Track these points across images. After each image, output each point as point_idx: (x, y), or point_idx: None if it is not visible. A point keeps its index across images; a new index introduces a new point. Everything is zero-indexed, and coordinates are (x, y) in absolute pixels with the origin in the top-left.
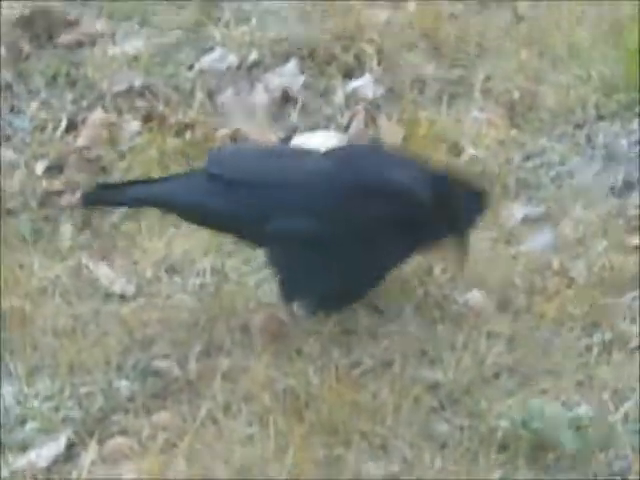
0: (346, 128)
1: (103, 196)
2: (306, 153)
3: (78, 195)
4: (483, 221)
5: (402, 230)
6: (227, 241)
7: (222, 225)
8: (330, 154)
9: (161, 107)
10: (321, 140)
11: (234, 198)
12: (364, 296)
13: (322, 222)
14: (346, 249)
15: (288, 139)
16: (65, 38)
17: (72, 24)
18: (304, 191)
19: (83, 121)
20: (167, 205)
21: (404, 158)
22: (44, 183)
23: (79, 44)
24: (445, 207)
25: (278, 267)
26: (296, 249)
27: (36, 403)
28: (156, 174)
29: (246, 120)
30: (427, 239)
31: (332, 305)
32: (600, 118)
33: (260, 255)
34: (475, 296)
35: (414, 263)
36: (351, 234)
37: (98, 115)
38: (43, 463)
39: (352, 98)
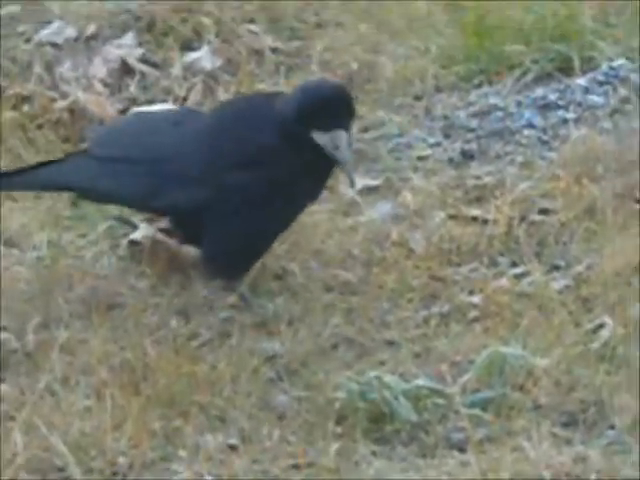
0: (184, 100)
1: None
2: (187, 116)
3: None
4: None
5: (285, 182)
6: (64, 215)
7: (120, 204)
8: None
9: None
10: None
11: (118, 178)
12: (269, 249)
13: (202, 190)
14: (236, 212)
15: (126, 111)
16: None
17: None
18: (183, 162)
19: None
20: (61, 190)
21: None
22: None
23: None
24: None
25: (189, 239)
26: (193, 219)
27: None
28: None
29: (84, 92)
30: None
31: (242, 266)
32: (438, 90)
33: (96, 228)
34: (313, 267)
35: None
36: (235, 197)
37: None
38: None
39: (190, 70)
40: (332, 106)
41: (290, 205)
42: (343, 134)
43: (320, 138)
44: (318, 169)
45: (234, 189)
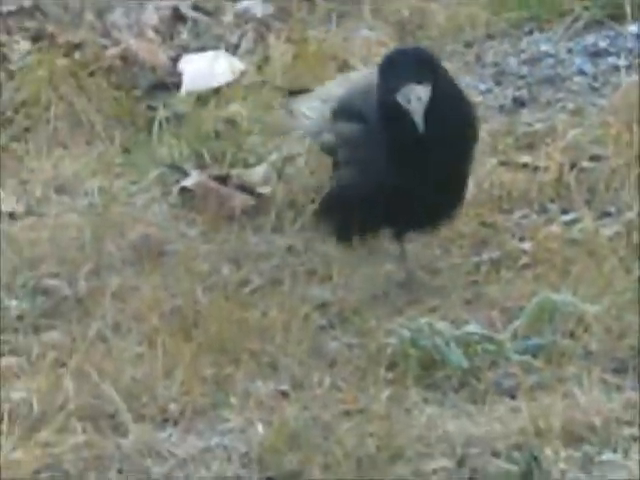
0: (236, 47)
1: None
2: None
3: None
4: None
5: None
6: (115, 162)
7: None
8: None
9: (51, 27)
10: (211, 59)
11: None
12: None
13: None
14: None
15: (178, 58)
16: None
17: None
18: None
19: None
20: None
21: None
22: None
23: None
24: None
25: None
26: None
27: None
28: (45, 94)
29: (136, 39)
30: None
31: None
32: (490, 37)
33: (147, 175)
34: None
35: None
36: None
37: None
38: None
39: (242, 17)
40: (396, 65)
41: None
42: (411, 87)
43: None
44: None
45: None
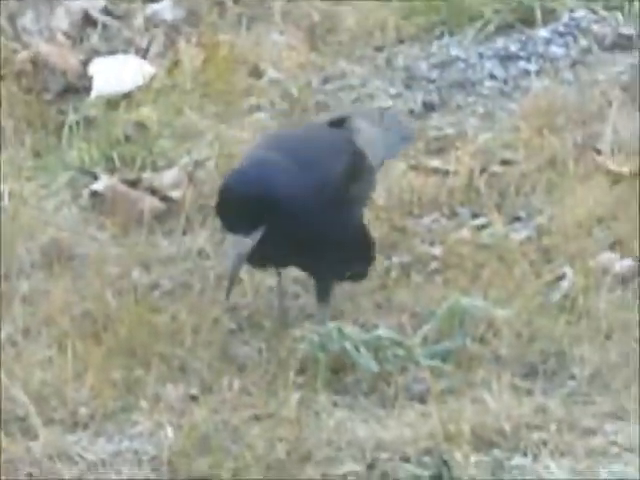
0: (146, 51)
1: None
2: None
3: None
4: None
5: None
6: (25, 165)
7: None
8: None
9: None
10: (121, 63)
11: None
12: None
13: None
14: None
15: (88, 62)
16: None
17: None
18: None
19: None
20: None
21: None
22: None
23: None
24: None
25: None
26: None
27: None
28: None
29: (47, 44)
30: None
31: None
32: (400, 41)
33: (57, 179)
34: None
35: None
36: None
37: None
38: None
39: (151, 21)
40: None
41: None
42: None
43: None
44: None
45: None
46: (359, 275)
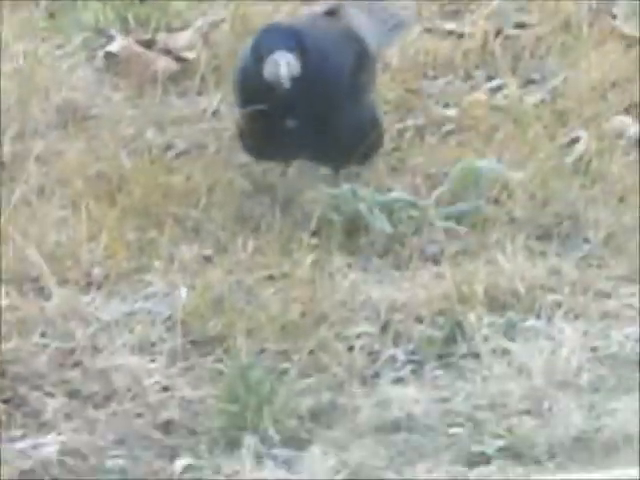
0: None
1: None
2: None
3: None
4: None
5: None
6: (40, 26)
7: None
8: None
9: None
10: None
11: None
12: None
13: None
14: None
15: None
16: None
17: None
18: None
19: None
20: None
21: None
22: None
23: None
24: None
25: None
26: None
27: None
28: None
29: None
30: None
31: None
32: None
33: (72, 40)
34: None
35: None
36: None
37: None
38: None
39: None
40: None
41: None
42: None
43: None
44: None
45: None
46: (365, 161)
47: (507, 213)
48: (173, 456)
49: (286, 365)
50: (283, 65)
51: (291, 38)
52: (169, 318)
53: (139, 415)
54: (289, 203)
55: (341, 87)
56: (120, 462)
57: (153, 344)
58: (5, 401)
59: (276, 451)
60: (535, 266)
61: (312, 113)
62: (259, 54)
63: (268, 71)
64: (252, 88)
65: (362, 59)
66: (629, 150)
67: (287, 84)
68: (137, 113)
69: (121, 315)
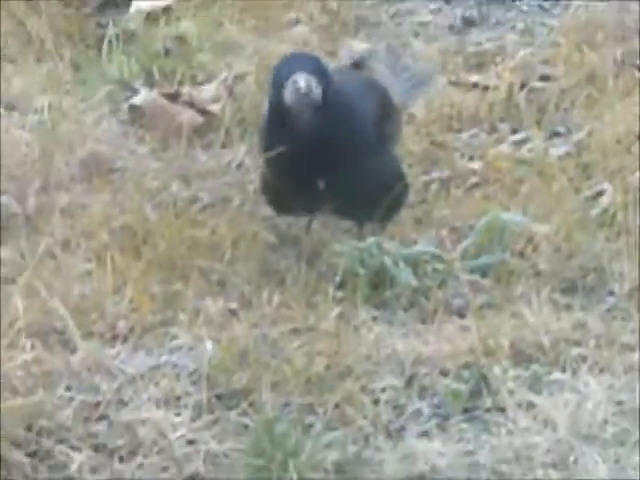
0: None
1: None
2: None
3: None
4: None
5: None
6: (65, 79)
7: None
8: None
9: None
10: None
11: None
12: None
13: None
14: None
15: None
16: None
17: None
18: None
19: None
20: None
21: None
22: None
23: None
24: None
25: None
26: None
27: None
28: None
29: None
30: None
31: None
32: None
33: (97, 93)
34: None
35: None
36: None
37: None
38: None
39: None
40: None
41: None
42: (300, 75)
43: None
44: None
45: None
46: (390, 216)
47: (532, 266)
48: None
49: (311, 418)
50: (302, 81)
51: (311, 63)
52: (194, 371)
53: (165, 469)
54: (314, 256)
55: (366, 135)
56: None
57: (178, 397)
58: (30, 455)
59: None
60: (560, 319)
61: (336, 164)
62: (279, 81)
63: (288, 94)
64: (275, 125)
65: (387, 110)
66: None
67: (308, 101)
68: (162, 166)
69: (146, 368)
